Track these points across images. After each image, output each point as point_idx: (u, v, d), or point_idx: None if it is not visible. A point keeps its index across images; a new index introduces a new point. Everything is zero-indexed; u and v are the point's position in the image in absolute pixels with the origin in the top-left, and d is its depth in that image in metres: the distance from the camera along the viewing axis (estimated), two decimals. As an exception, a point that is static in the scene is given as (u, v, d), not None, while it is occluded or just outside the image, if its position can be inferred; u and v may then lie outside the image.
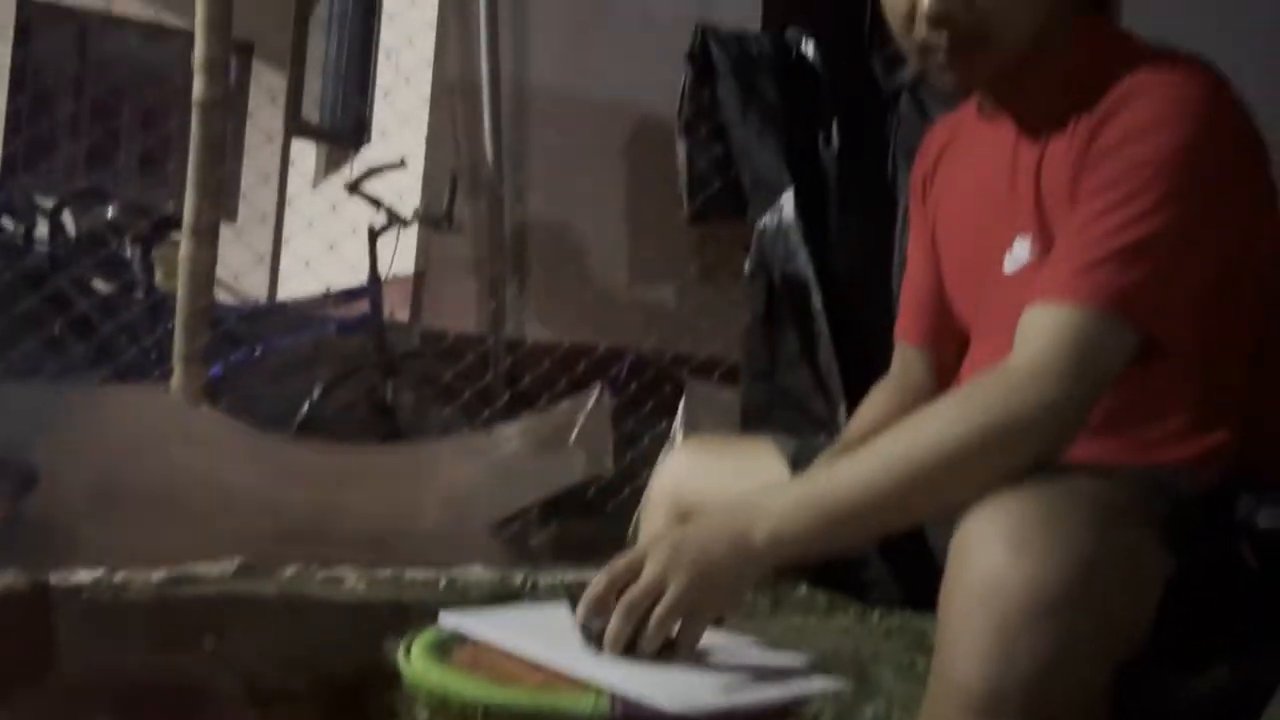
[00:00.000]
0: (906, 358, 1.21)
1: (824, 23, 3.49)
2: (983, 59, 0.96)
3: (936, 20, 0.93)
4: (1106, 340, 0.83)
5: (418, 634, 0.91)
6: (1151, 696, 0.79)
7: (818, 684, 0.83)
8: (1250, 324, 0.95)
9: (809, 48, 3.35)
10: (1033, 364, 0.83)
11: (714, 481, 1.18)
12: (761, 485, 0.93)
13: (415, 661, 0.85)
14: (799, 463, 1.15)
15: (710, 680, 0.80)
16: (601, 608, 0.83)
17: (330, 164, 5.65)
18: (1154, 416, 0.91)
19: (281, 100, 5.54)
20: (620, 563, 0.85)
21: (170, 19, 6.38)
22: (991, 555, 0.73)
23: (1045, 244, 0.95)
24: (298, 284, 4.97)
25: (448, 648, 0.89)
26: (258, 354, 3.05)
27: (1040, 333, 0.84)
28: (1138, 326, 0.84)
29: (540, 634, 0.88)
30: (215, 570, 2.52)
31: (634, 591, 0.82)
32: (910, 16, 0.96)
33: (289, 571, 2.59)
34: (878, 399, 1.20)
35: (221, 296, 3.37)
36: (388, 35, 3.74)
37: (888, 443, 0.85)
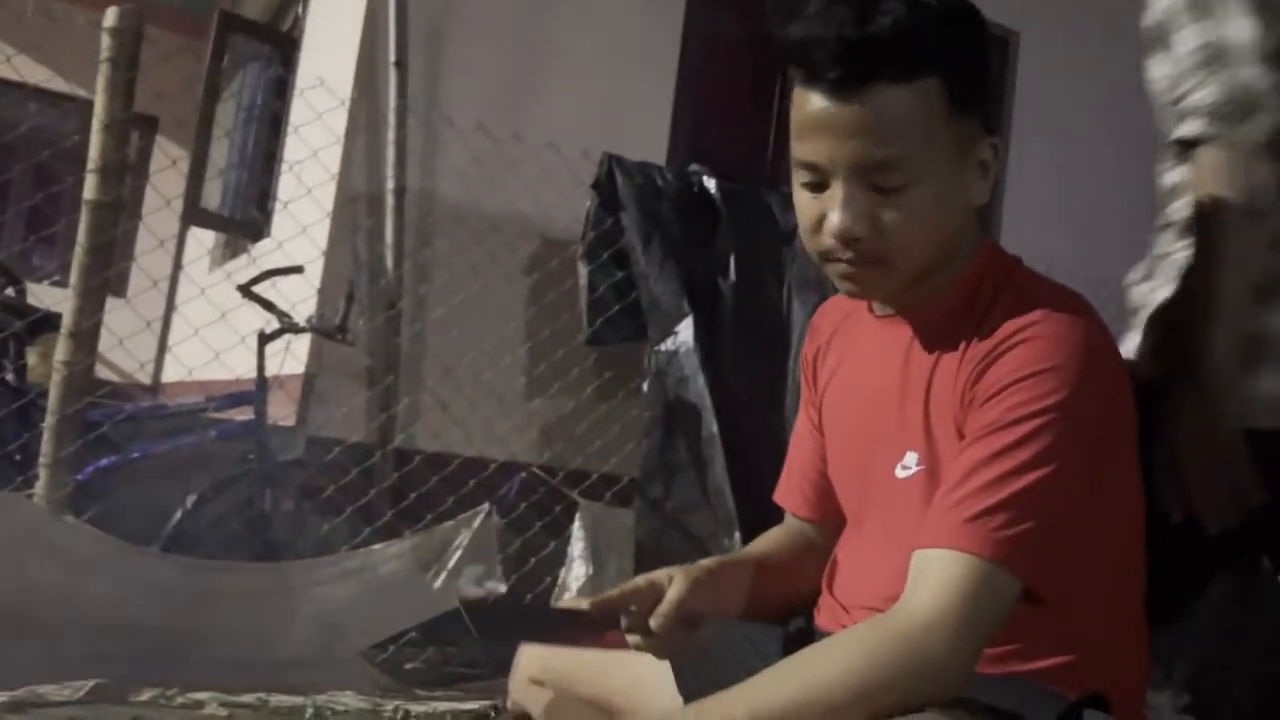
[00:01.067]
0: (794, 521, 1.26)
1: (726, 161, 3.63)
2: (881, 277, 0.99)
3: (841, 238, 0.97)
4: (996, 588, 0.87)
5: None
6: None
7: None
8: (1099, 574, 1.00)
9: (711, 184, 3.46)
10: (933, 611, 0.86)
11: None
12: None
13: None
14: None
15: None
16: None
17: (226, 253, 5.56)
18: (1014, 640, 0.94)
19: (171, 198, 5.45)
20: None
21: (66, 87, 6.26)
22: None
23: (931, 462, 1.00)
24: (178, 372, 4.82)
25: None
26: (133, 458, 2.93)
27: (937, 579, 0.87)
28: (1021, 575, 0.88)
29: None
30: (64, 693, 2.37)
31: None
32: (817, 225, 0.99)
33: (145, 695, 2.46)
34: (775, 534, 1.25)
35: (102, 373, 3.25)
36: (292, 143, 3.73)
37: (803, 668, 0.88)
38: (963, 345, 0.98)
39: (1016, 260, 1.06)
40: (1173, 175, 1.31)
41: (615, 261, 3.41)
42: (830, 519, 1.19)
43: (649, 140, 3.97)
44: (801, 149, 0.98)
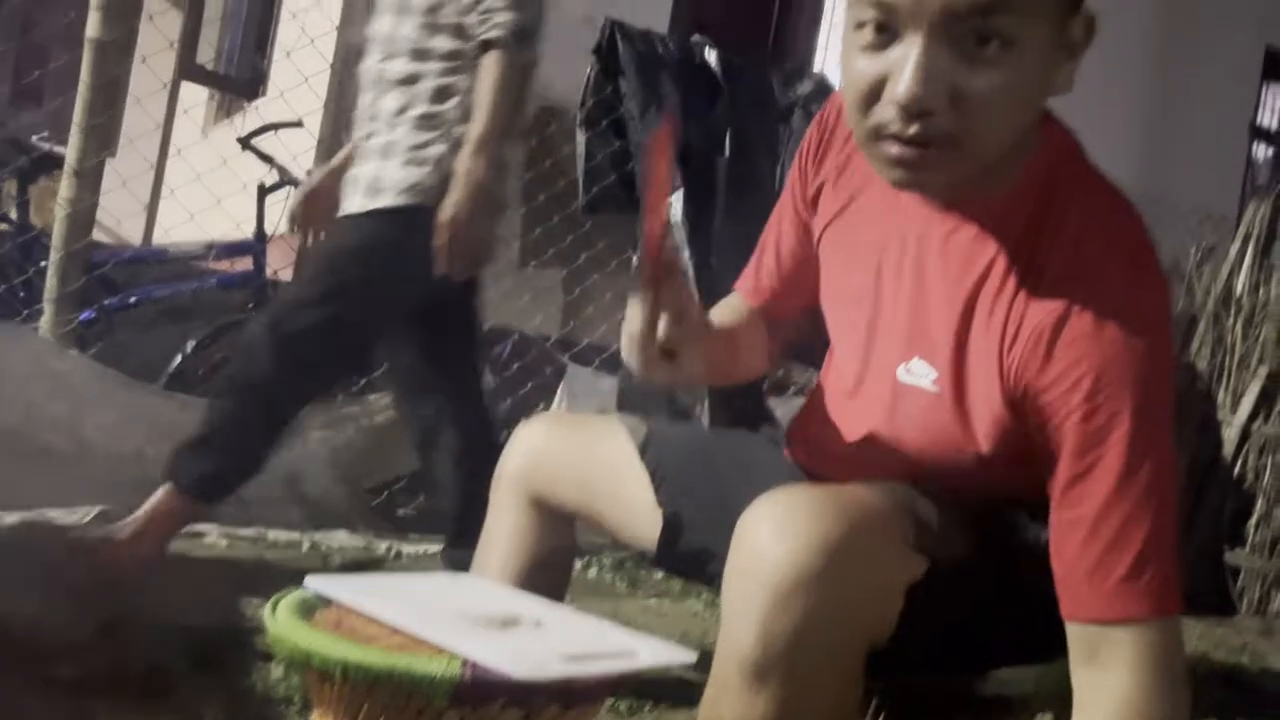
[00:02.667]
0: (744, 304, 1.21)
1: (729, 32, 3.61)
2: (949, 164, 0.84)
3: (912, 111, 0.80)
4: (1174, 635, 0.88)
5: (284, 593, 0.97)
6: (900, 683, 0.92)
7: (651, 659, 0.92)
8: None
9: (712, 56, 3.46)
10: (1149, 692, 0.86)
11: (563, 465, 1.22)
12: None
13: (279, 619, 0.90)
14: (647, 450, 1.20)
15: (557, 651, 0.88)
16: None
17: (220, 112, 5.51)
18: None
19: (173, 40, 5.36)
20: None
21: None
22: (758, 538, 0.86)
23: (957, 390, 0.93)
24: (178, 231, 4.84)
25: (312, 608, 0.95)
26: (133, 301, 2.99)
27: (1128, 661, 0.87)
28: (1174, 611, 0.88)
29: (403, 602, 0.95)
30: (71, 517, 2.48)
31: None
32: (874, 94, 0.82)
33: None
34: (724, 313, 1.20)
35: (96, 235, 3.29)
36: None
37: None
38: (1020, 264, 0.88)
39: (1079, 149, 0.95)
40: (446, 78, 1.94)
41: (613, 129, 3.43)
42: (780, 317, 1.18)
43: (652, 7, 3.93)
44: None
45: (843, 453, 1.07)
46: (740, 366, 1.21)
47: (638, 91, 3.34)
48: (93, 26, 2.57)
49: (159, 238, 5.26)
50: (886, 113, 0.82)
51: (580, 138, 3.46)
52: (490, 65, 1.92)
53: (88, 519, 2.50)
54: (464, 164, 1.91)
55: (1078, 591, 0.88)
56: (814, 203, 1.09)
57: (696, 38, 3.62)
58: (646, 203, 0.93)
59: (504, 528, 1.22)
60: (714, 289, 3.36)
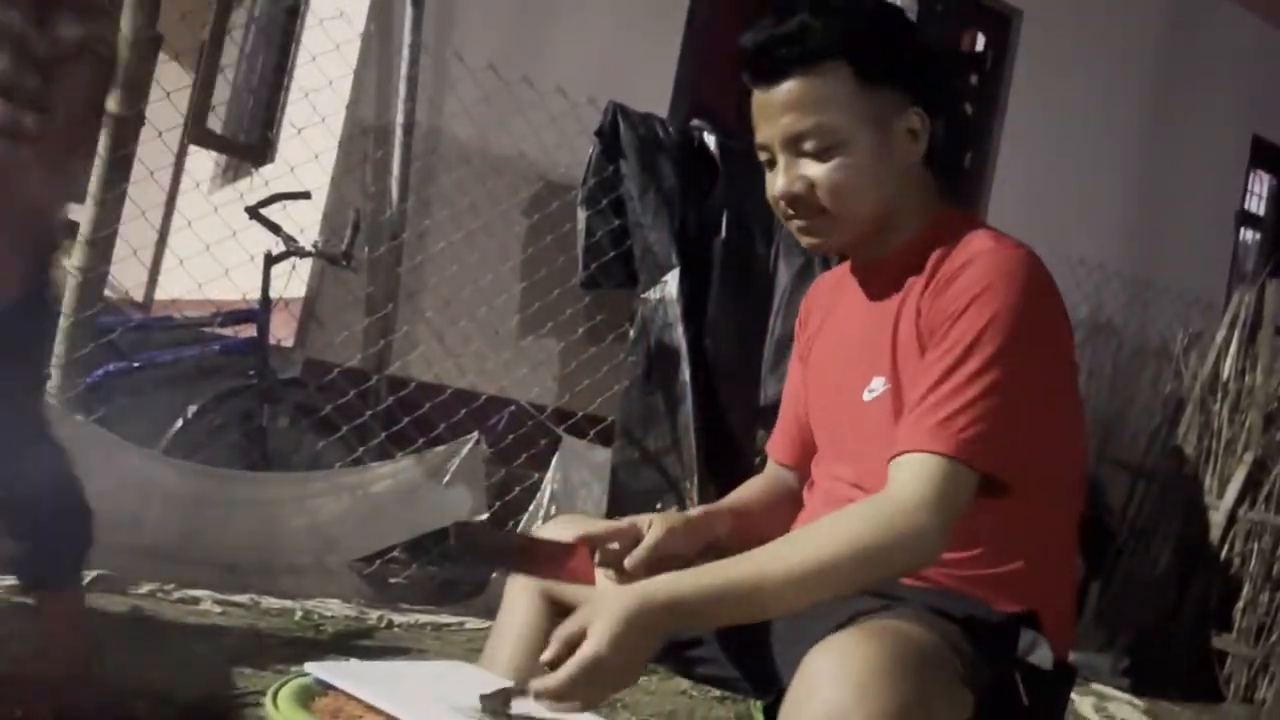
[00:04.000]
0: (776, 472, 1.41)
1: (728, 117, 3.72)
2: (828, 227, 1.17)
3: (783, 199, 1.17)
4: (960, 481, 1.03)
5: (284, 681, 1.00)
6: None
7: None
8: (1057, 473, 1.15)
9: (711, 139, 3.57)
10: (904, 499, 1.02)
11: None
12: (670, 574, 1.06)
13: (281, 710, 0.94)
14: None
15: None
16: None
17: (227, 174, 5.62)
18: (967, 542, 1.09)
19: (181, 101, 5.48)
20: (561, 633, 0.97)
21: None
22: (835, 694, 0.88)
23: (895, 383, 1.15)
24: (178, 289, 4.90)
25: (311, 695, 0.99)
26: (138, 366, 3.04)
27: (910, 475, 1.04)
28: (979, 467, 1.04)
29: (403, 692, 0.98)
30: (68, 582, 2.50)
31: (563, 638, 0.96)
32: (775, 197, 1.19)
33: (144, 589, 2.60)
34: (755, 484, 1.40)
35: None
36: (303, 71, 3.79)
37: (787, 546, 1.03)
38: (921, 283, 1.15)
39: (975, 220, 1.23)
40: None
41: (613, 208, 3.52)
42: (809, 465, 1.33)
43: (654, 91, 4.05)
44: (756, 133, 1.19)
45: (830, 499, 1.21)
46: (768, 530, 1.28)
47: (637, 173, 3.44)
48: (113, 102, 2.66)
49: (161, 302, 5.33)
50: (781, 203, 1.18)
51: (581, 215, 3.55)
52: None
53: (83, 584, 2.53)
54: None
55: (901, 433, 1.07)
56: (808, 354, 1.34)
57: (696, 122, 3.73)
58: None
59: (515, 622, 1.29)
60: (709, 365, 3.44)
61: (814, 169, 1.14)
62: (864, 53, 1.14)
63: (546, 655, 0.95)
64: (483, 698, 0.96)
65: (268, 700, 0.95)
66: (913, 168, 1.19)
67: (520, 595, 1.31)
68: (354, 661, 1.07)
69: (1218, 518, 3.97)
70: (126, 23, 2.66)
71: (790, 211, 1.17)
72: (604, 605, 0.96)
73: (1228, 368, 4.16)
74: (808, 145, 1.13)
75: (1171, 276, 5.40)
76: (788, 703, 0.91)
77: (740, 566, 1.00)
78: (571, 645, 0.94)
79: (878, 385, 1.17)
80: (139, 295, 5.60)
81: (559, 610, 1.29)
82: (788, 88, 1.13)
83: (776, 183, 1.17)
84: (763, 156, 1.20)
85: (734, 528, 1.28)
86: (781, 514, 1.32)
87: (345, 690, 0.98)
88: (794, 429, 1.36)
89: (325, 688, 1.00)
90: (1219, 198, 6.03)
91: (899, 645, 0.93)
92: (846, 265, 1.30)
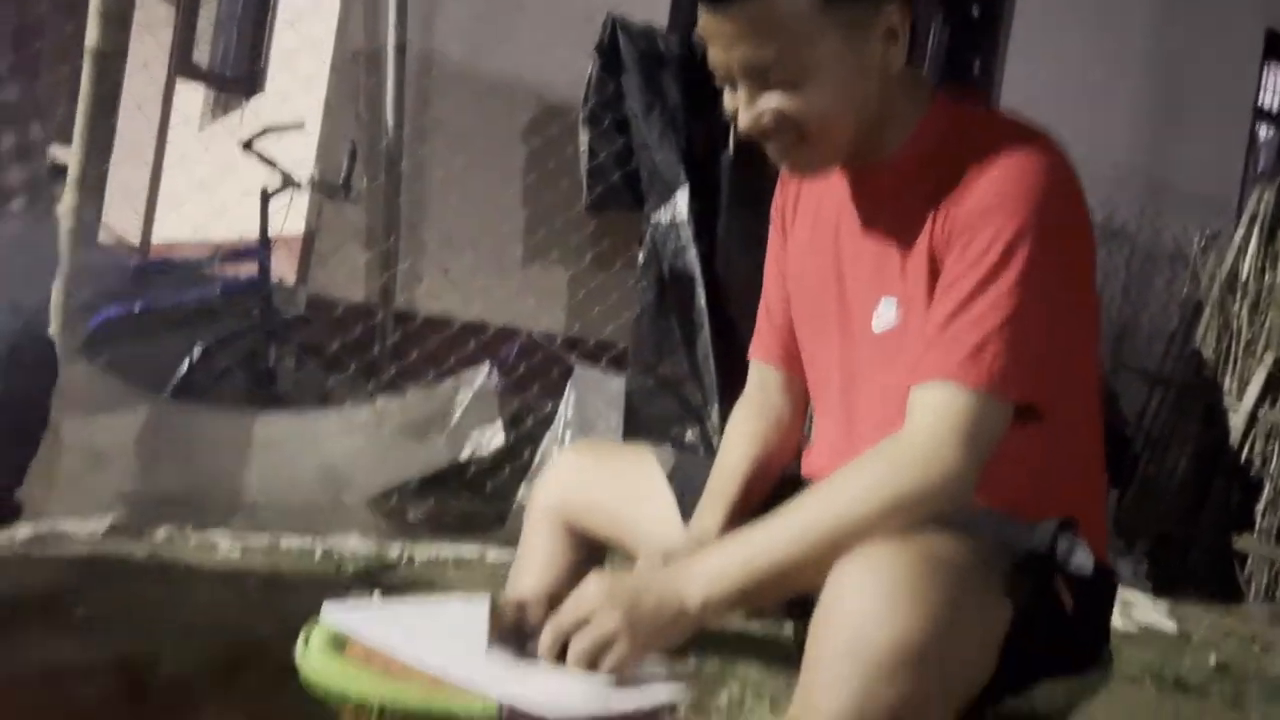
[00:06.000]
0: (763, 376, 1.28)
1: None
2: (810, 155, 1.04)
3: (751, 136, 1.03)
4: (989, 415, 0.94)
5: (314, 624, 0.96)
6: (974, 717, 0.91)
7: (682, 692, 0.92)
8: (1081, 387, 1.08)
9: (714, 50, 3.44)
10: (931, 438, 0.93)
11: (594, 493, 1.27)
12: (697, 548, 1.01)
13: (313, 656, 0.90)
14: (675, 478, 1.25)
15: (586, 688, 0.88)
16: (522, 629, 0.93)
17: (217, 109, 5.49)
18: (1000, 465, 1.00)
19: (165, 36, 5.34)
20: (568, 606, 0.93)
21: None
22: (863, 606, 0.82)
23: (909, 308, 1.04)
24: (174, 230, 4.82)
25: (344, 639, 0.95)
26: (139, 310, 2.98)
27: (933, 410, 0.95)
28: (1012, 398, 0.95)
29: (431, 638, 0.94)
30: (85, 529, 2.48)
31: (567, 617, 0.91)
32: (743, 130, 1.03)
33: (161, 534, 2.57)
34: (741, 425, 1.26)
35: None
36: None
37: (805, 514, 0.94)
38: (933, 186, 1.02)
39: (982, 105, 1.10)
40: None
41: (616, 128, 3.42)
42: (798, 367, 1.23)
43: (652, 2, 3.91)
44: (709, 57, 1.03)
45: (848, 445, 1.10)
46: (774, 478, 1.23)
47: (640, 90, 3.33)
48: (92, 37, 2.56)
49: (158, 246, 5.25)
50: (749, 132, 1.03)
51: (583, 137, 3.45)
52: None
53: (99, 530, 2.50)
54: None
55: (920, 362, 0.98)
56: (790, 252, 1.22)
57: (698, 32, 3.60)
58: None
59: (537, 552, 1.27)
60: (721, 287, 3.36)
61: (782, 100, 0.99)
62: None
63: (547, 641, 0.91)
64: (499, 636, 0.92)
65: (299, 645, 0.91)
66: (897, 69, 1.04)
67: (541, 524, 1.28)
68: (375, 599, 1.03)
69: (1237, 420, 3.93)
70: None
71: (765, 141, 1.03)
72: (627, 598, 0.92)
73: (1247, 267, 4.09)
74: (772, 76, 0.98)
75: (1186, 177, 5.29)
76: (816, 617, 0.86)
77: (762, 550, 0.93)
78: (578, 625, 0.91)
79: (887, 310, 1.06)
80: (135, 240, 5.52)
81: (581, 540, 1.28)
82: (741, 13, 0.96)
83: (740, 116, 1.02)
84: (719, 79, 1.04)
85: (739, 499, 1.17)
86: (782, 454, 1.24)
87: (372, 644, 0.94)
88: (778, 327, 1.25)
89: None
90: (1234, 94, 5.88)
91: (930, 554, 0.87)
92: None
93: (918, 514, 0.92)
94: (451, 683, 0.86)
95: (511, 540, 1.37)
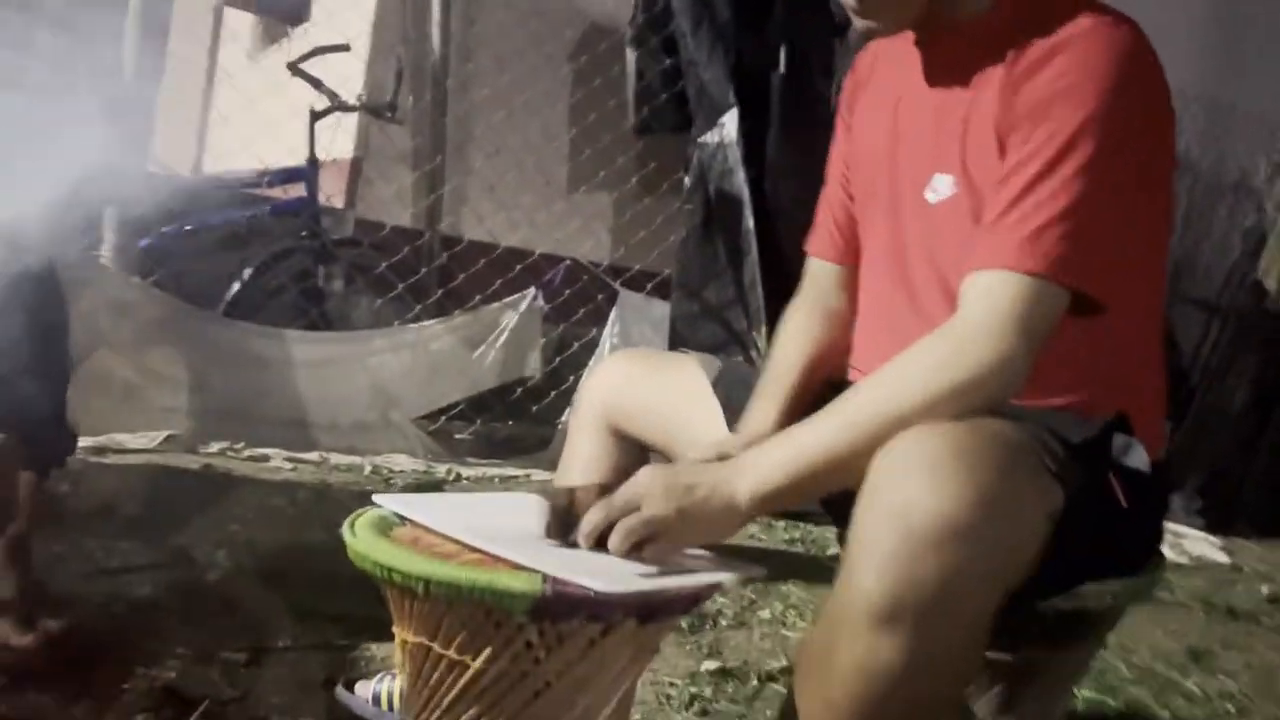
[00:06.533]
0: (817, 273, 1.26)
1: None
2: (885, 7, 1.02)
3: None
4: (1044, 301, 0.92)
5: (361, 512, 0.97)
6: (1023, 614, 0.89)
7: (728, 575, 0.92)
8: (1145, 285, 1.04)
9: (763, -35, 3.35)
10: (984, 324, 0.91)
11: (640, 397, 1.27)
12: (747, 444, 1.01)
13: (359, 535, 0.91)
14: (719, 384, 1.24)
15: (633, 567, 0.88)
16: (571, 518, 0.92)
17: (267, 37, 5.48)
18: (1054, 364, 0.98)
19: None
20: (618, 493, 0.92)
21: None
22: (908, 481, 0.80)
23: (967, 184, 1.01)
24: (223, 155, 4.85)
25: (389, 526, 0.96)
26: (189, 229, 3.01)
27: (987, 296, 0.92)
28: (1068, 286, 0.92)
29: (477, 520, 0.95)
30: (140, 441, 2.54)
31: (617, 500, 0.91)
32: None
33: (214, 448, 2.62)
34: (795, 322, 1.25)
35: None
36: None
37: (857, 403, 0.92)
38: (1002, 61, 0.99)
39: None
40: None
41: (664, 47, 3.35)
42: (857, 259, 1.21)
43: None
44: None
45: (900, 321, 1.08)
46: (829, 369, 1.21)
47: (688, 7, 3.25)
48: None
49: (209, 165, 5.29)
50: None
51: (630, 56, 3.38)
52: None
53: (155, 444, 2.56)
54: None
55: (979, 247, 0.95)
56: (852, 134, 1.20)
57: None
58: None
59: (582, 453, 1.27)
60: (770, 208, 3.31)
61: None
62: None
63: (595, 520, 0.90)
64: (548, 518, 0.93)
65: (345, 530, 0.92)
66: None
67: (588, 426, 1.29)
68: (423, 495, 1.04)
69: (1299, 352, 3.83)
70: None
71: None
72: (676, 485, 0.91)
73: (1314, 196, 3.95)
74: None
75: (1253, 102, 5.09)
76: (861, 496, 0.83)
77: (813, 441, 0.92)
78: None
79: (942, 185, 1.04)
80: (186, 170, 5.56)
81: (627, 443, 1.28)
82: None
83: None
84: None
85: (793, 396, 1.17)
86: (837, 348, 1.21)
87: (422, 522, 0.95)
88: (840, 222, 1.23)
89: (401, 519, 0.97)
90: (1307, 16, 5.63)
91: (980, 431, 0.85)
92: (906, 36, 1.12)
93: (972, 400, 0.89)
94: (496, 559, 0.86)
95: (555, 461, 1.38)
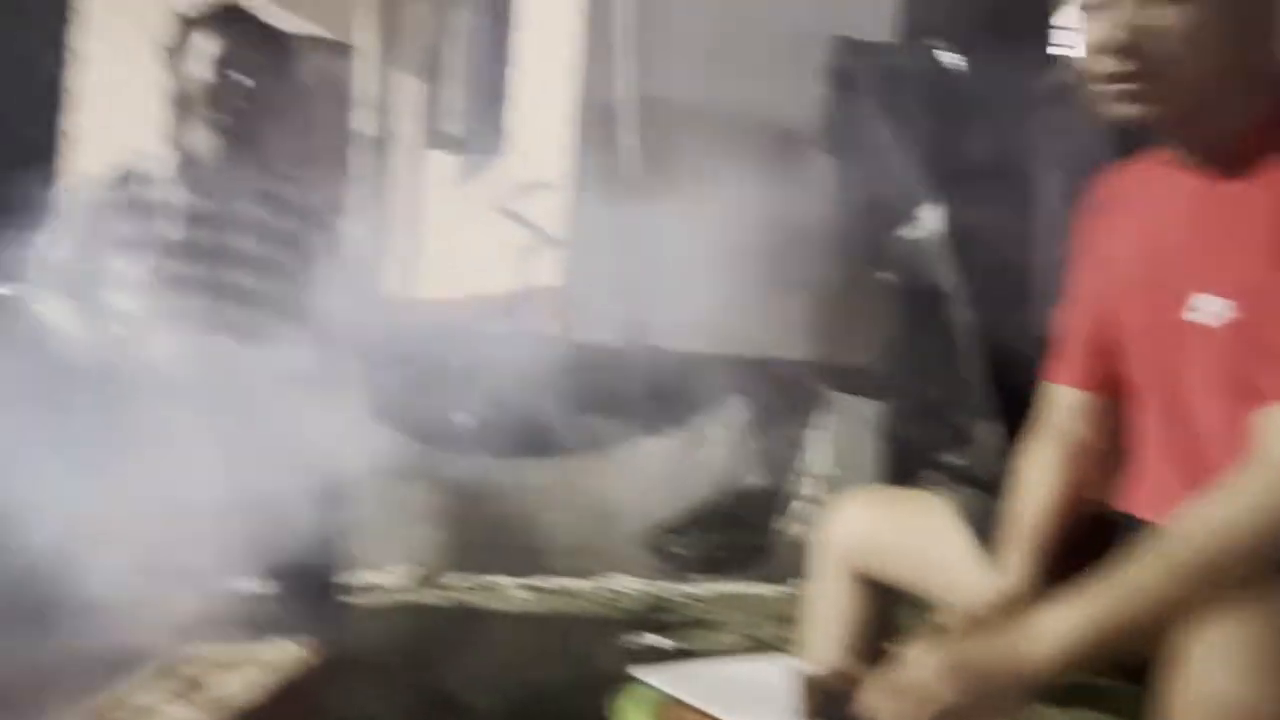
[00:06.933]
0: (1061, 402, 1.20)
1: (956, 34, 3.44)
2: (1158, 91, 0.98)
3: (1121, 49, 0.97)
4: None
5: (624, 691, 0.99)
6: None
7: None
8: None
9: (948, 58, 3.32)
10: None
11: (888, 539, 1.25)
12: (1017, 604, 0.98)
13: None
14: (971, 522, 1.20)
15: None
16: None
17: (467, 173, 5.82)
18: None
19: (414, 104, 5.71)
20: (902, 678, 0.92)
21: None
22: (1224, 677, 0.80)
23: (1242, 305, 0.97)
24: (435, 289, 5.14)
25: (652, 702, 0.97)
26: (414, 368, 3.18)
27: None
28: None
29: (739, 697, 0.96)
30: (389, 578, 2.67)
31: (902, 684, 0.90)
32: (1102, 46, 0.99)
33: (456, 581, 2.74)
34: (1044, 462, 1.18)
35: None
36: (524, 54, 3.84)
37: (1166, 554, 0.89)
38: (1260, 179, 0.96)
39: None
40: None
41: (856, 148, 3.36)
42: (1106, 389, 1.16)
43: (877, 16, 3.83)
44: None
45: (1179, 453, 1.04)
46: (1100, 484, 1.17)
47: (874, 106, 3.26)
48: (369, 124, 2.79)
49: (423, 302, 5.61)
50: (1105, 60, 0.98)
51: (824, 158, 3.40)
52: None
53: (405, 580, 2.68)
54: None
55: (1266, 382, 0.92)
56: (1101, 260, 1.16)
57: (928, 39, 3.48)
58: None
59: (831, 605, 1.26)
60: (976, 303, 3.22)
61: (1162, 15, 0.95)
62: None
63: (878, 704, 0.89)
64: (810, 699, 0.92)
65: (616, 710, 0.94)
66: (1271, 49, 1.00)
67: (833, 574, 1.26)
68: (683, 665, 1.05)
69: None
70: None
71: (1114, 67, 0.98)
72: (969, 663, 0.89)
73: None
74: None
75: None
76: (1176, 679, 0.81)
77: (1126, 598, 0.88)
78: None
79: (1205, 304, 0.99)
80: (404, 302, 5.92)
81: (875, 589, 1.25)
82: None
83: (1106, 29, 0.97)
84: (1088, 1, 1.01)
85: (1049, 542, 1.11)
86: (1086, 483, 1.15)
87: (683, 700, 0.96)
88: (1090, 346, 1.16)
89: (663, 695, 0.99)
90: None
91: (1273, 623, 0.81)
92: (1149, 161, 1.10)
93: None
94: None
95: (775, 575, 1.38)
